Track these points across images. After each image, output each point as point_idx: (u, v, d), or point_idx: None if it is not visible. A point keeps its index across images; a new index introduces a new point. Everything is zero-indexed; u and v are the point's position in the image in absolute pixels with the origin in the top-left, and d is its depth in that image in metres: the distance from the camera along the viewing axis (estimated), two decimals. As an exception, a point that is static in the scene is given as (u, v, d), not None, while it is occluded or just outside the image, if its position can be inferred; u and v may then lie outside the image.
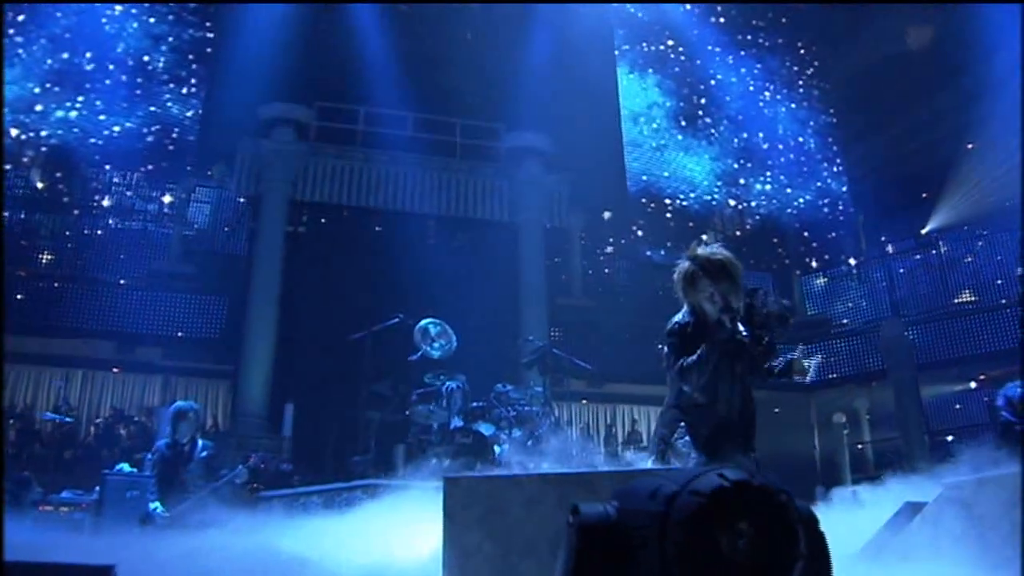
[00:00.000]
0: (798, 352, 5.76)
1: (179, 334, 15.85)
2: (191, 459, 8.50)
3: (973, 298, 18.00)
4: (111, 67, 16.53)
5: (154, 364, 16.17)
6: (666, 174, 19.71)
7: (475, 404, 10.67)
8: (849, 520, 4.93)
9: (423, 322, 11.01)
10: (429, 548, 4.70)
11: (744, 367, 5.20)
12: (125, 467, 10.24)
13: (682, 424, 5.43)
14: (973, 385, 18.69)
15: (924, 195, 19.54)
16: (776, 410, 17.42)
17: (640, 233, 18.92)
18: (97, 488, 9.82)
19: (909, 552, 4.40)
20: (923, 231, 19.17)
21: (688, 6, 20.13)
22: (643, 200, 19.25)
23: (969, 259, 18.44)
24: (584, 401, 18.17)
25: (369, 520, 7.84)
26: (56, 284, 15.37)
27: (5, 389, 14.32)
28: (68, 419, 14.30)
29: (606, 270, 19.17)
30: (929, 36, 19.74)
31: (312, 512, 9.33)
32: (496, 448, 10.23)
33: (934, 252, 18.86)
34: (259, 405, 14.54)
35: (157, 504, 8.14)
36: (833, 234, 20.38)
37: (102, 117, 16.21)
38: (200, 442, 8.68)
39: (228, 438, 13.90)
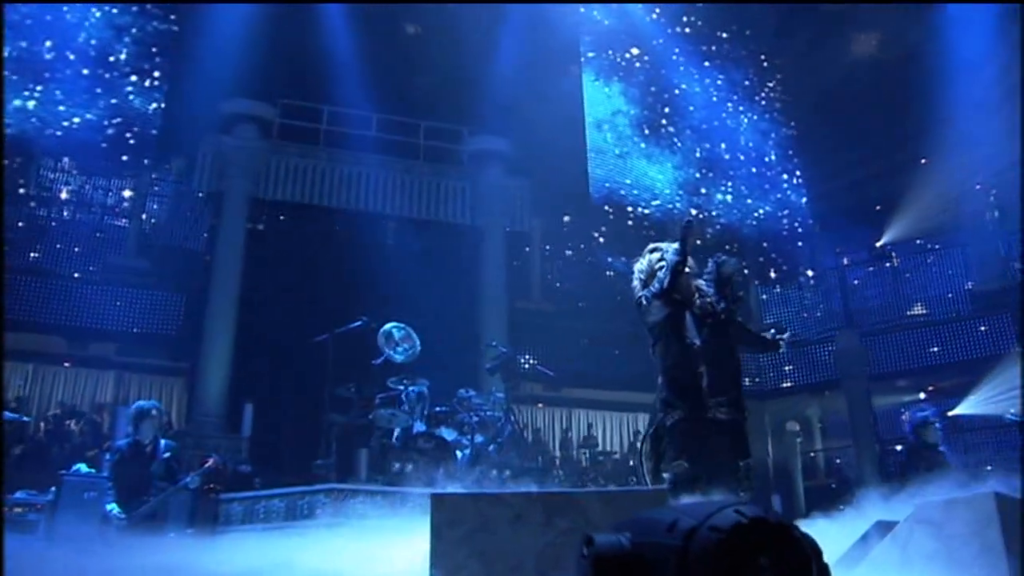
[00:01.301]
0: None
1: (134, 330, 15.58)
2: (153, 460, 8.36)
3: (924, 311, 18.31)
4: (71, 57, 16.24)
5: (108, 360, 15.96)
6: (628, 181, 19.80)
7: (438, 409, 10.70)
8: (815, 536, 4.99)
9: (387, 326, 10.99)
10: (401, 561, 4.68)
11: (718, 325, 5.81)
12: (82, 467, 10.11)
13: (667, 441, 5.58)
14: (922, 396, 19.03)
15: (878, 207, 19.79)
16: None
17: (601, 240, 19.02)
18: (53, 489, 9.68)
19: (880, 569, 4.49)
20: (878, 244, 19.46)
21: (656, 12, 20.22)
22: (605, 207, 19.34)
23: (921, 272, 18.76)
24: (540, 405, 18.23)
25: (334, 530, 7.84)
26: (7, 276, 15.04)
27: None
28: (26, 419, 14.02)
29: (566, 275, 19.23)
30: (875, 43, 20.03)
31: (274, 517, 9.29)
32: (458, 453, 10.26)
33: (888, 264, 19.18)
34: (217, 404, 14.39)
35: (114, 506, 7.98)
36: (790, 246, 20.61)
37: (61, 108, 15.91)
38: (163, 442, 8.55)
39: (184, 437, 13.74)
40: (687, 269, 5.85)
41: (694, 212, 18.35)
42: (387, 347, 10.80)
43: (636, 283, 6.04)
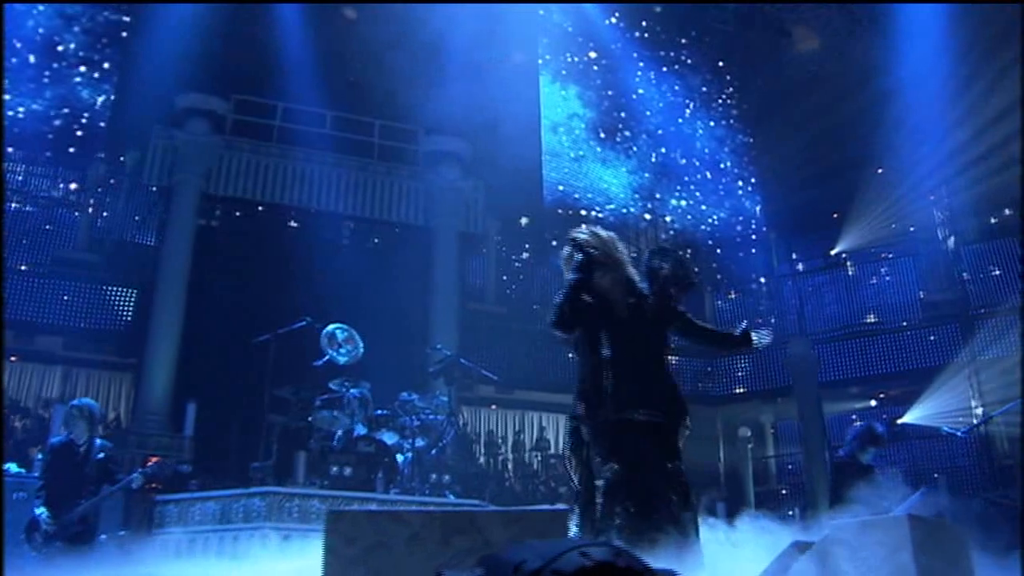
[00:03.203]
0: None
1: (82, 325, 15.36)
2: (87, 461, 8.17)
3: (876, 319, 18.45)
4: (18, 44, 15.94)
5: (54, 355, 15.66)
6: (582, 185, 19.81)
7: (379, 412, 10.60)
8: (733, 555, 4.98)
9: (330, 327, 10.88)
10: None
11: (649, 326, 5.23)
12: (12, 467, 9.90)
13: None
14: (873, 403, 19.23)
15: (835, 215, 19.90)
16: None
17: (554, 243, 18.99)
18: (-19, 489, 9.45)
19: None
20: (832, 252, 19.56)
21: (615, 16, 20.22)
22: (559, 211, 19.31)
23: (874, 280, 18.91)
24: (494, 407, 18.20)
25: (265, 535, 7.74)
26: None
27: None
28: None
29: (520, 277, 19.17)
30: (815, 42, 20.14)
31: (209, 519, 9.18)
32: (399, 457, 10.17)
33: (841, 272, 19.29)
34: (161, 402, 14.16)
35: (43, 509, 7.79)
36: (743, 253, 20.68)
37: (7, 97, 15.62)
38: (98, 442, 8.36)
39: (128, 435, 13.58)
40: (620, 257, 5.27)
41: (648, 217, 18.38)
42: (330, 348, 10.69)
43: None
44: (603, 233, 5.39)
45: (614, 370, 5.04)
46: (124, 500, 9.53)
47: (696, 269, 6.00)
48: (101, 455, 8.20)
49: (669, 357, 5.40)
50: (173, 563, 7.55)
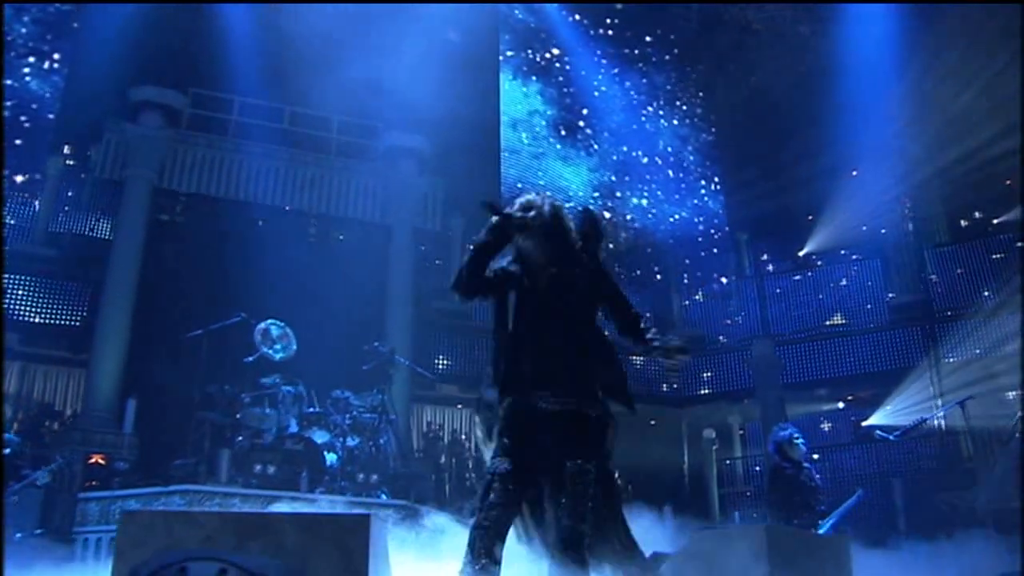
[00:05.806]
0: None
1: (37, 320, 15.24)
2: (-10, 458, 8.01)
3: (844, 321, 18.35)
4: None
5: (11, 350, 15.48)
6: (542, 182, 19.67)
7: (310, 410, 10.44)
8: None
9: (264, 323, 10.74)
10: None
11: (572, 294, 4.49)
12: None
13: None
14: (841, 405, 19.14)
15: (809, 218, 19.77)
16: (652, 423, 17.59)
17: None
18: None
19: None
20: (800, 253, 19.45)
21: (577, 16, 20.11)
22: (518, 207, 19.15)
23: (844, 283, 18.79)
24: (459, 406, 18.06)
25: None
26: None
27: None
28: None
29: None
30: (800, 53, 20.00)
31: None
32: (330, 455, 10.01)
33: (810, 274, 19.17)
34: (108, 399, 13.96)
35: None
36: (712, 253, 20.56)
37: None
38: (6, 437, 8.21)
39: (73, 432, 13.43)
40: (551, 224, 4.47)
41: (608, 215, 18.23)
42: (264, 345, 10.55)
43: None
44: (540, 199, 4.61)
45: (522, 347, 4.40)
46: (43, 498, 9.37)
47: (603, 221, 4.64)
48: (7, 451, 8.06)
49: (602, 337, 4.56)
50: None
